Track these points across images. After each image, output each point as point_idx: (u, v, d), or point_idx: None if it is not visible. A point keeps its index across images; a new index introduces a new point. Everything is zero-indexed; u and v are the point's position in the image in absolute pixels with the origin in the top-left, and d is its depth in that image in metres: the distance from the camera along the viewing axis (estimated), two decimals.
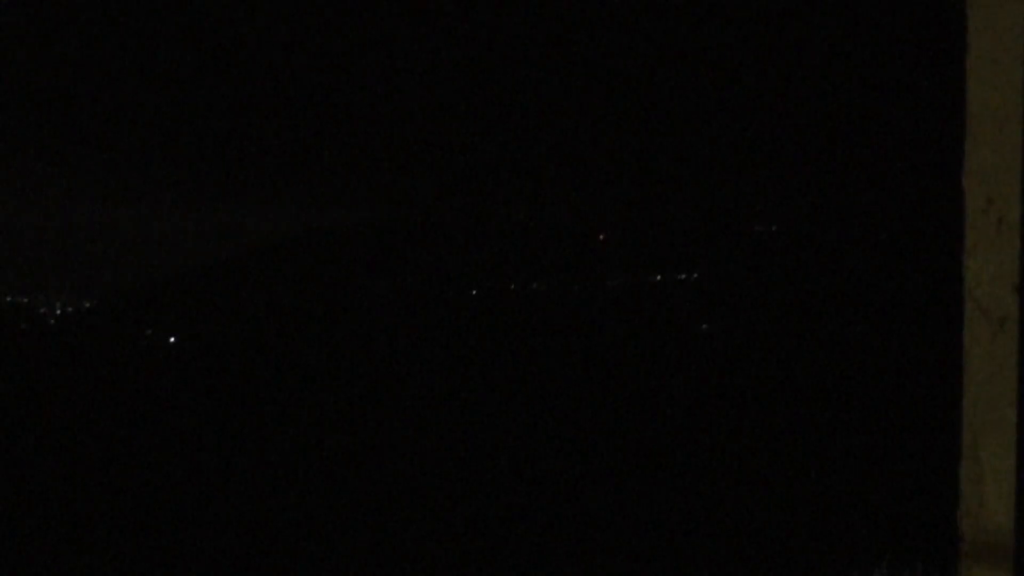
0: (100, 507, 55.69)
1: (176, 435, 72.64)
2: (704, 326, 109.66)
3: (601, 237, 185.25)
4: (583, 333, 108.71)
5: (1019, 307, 2.14)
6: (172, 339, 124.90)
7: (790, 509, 49.13)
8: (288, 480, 61.19)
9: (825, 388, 76.95)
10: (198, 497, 58.11)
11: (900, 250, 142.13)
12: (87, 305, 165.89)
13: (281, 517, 54.03)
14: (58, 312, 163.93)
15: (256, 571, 46.92)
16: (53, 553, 48.32)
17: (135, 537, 51.02)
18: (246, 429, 74.22)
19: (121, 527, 52.50)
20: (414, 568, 45.72)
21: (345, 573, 46.03)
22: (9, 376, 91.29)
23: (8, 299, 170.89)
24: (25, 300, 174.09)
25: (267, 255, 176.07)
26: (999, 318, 2.14)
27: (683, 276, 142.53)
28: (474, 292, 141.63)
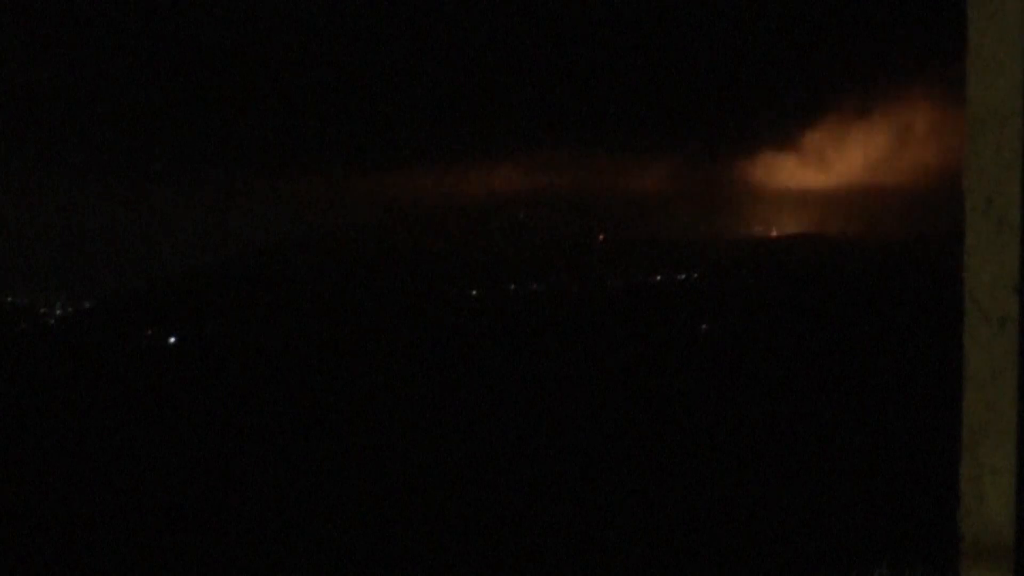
0: (101, 506, 55.67)
1: (176, 434, 72.63)
2: (704, 326, 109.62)
3: (601, 237, 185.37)
4: (583, 333, 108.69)
5: (1019, 308, 2.14)
6: (172, 339, 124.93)
7: (791, 509, 49.11)
8: (288, 479, 61.16)
9: (825, 388, 76.92)
10: (198, 496, 58.09)
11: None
12: (87, 305, 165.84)
13: (281, 516, 54.01)
14: (58, 312, 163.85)
15: (256, 570, 46.89)
16: (54, 552, 48.30)
17: (136, 536, 50.99)
18: (246, 428, 74.21)
19: (121, 526, 52.48)
20: (414, 568, 45.70)
21: (345, 572, 46.00)
22: (9, 376, 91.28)
23: (8, 299, 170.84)
24: (25, 300, 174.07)
25: (267, 255, 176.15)
26: (999, 319, 2.14)
27: (683, 276, 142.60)
28: (474, 292, 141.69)
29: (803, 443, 62.50)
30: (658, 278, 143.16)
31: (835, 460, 57.52)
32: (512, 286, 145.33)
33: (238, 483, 60.95)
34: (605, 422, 73.04)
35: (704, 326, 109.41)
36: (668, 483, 56.59)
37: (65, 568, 46.68)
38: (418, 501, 55.49)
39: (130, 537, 50.98)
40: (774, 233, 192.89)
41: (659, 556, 44.68)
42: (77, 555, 48.16)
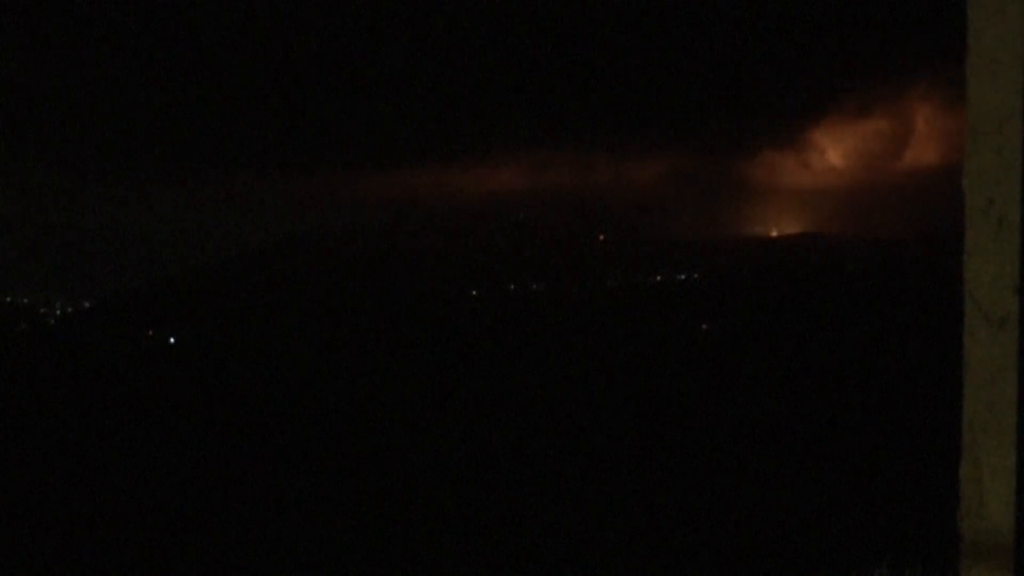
0: (101, 505, 55.67)
1: (176, 434, 72.63)
2: (704, 326, 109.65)
3: (601, 237, 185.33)
4: (583, 333, 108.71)
5: (1019, 307, 2.13)
6: (172, 339, 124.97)
7: (791, 509, 49.12)
8: (288, 478, 61.17)
9: (826, 388, 76.93)
10: (199, 495, 58.09)
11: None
12: (87, 305, 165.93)
13: (282, 515, 54.00)
14: (58, 312, 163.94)
15: (257, 570, 46.89)
16: (55, 551, 48.30)
17: (136, 535, 50.98)
18: (246, 428, 74.21)
19: (122, 525, 52.48)
20: (414, 567, 45.70)
21: (345, 572, 46.00)
22: (9, 376, 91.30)
23: (8, 299, 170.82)
24: (25, 300, 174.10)
25: (267, 255, 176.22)
26: (999, 318, 2.13)
27: (683, 276, 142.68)
28: (474, 292, 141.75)
29: (803, 443, 62.50)
30: (658, 278, 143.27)
31: (835, 460, 57.52)
32: (512, 286, 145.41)
33: (238, 483, 60.96)
34: (605, 422, 73.04)
35: (704, 326, 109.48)
36: (668, 483, 56.60)
37: (65, 568, 46.68)
38: (418, 500, 55.49)
39: (131, 536, 50.98)
40: (774, 233, 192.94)
41: (659, 556, 44.68)
42: (78, 554, 48.16)
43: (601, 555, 45.23)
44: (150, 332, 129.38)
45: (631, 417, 73.84)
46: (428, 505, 54.69)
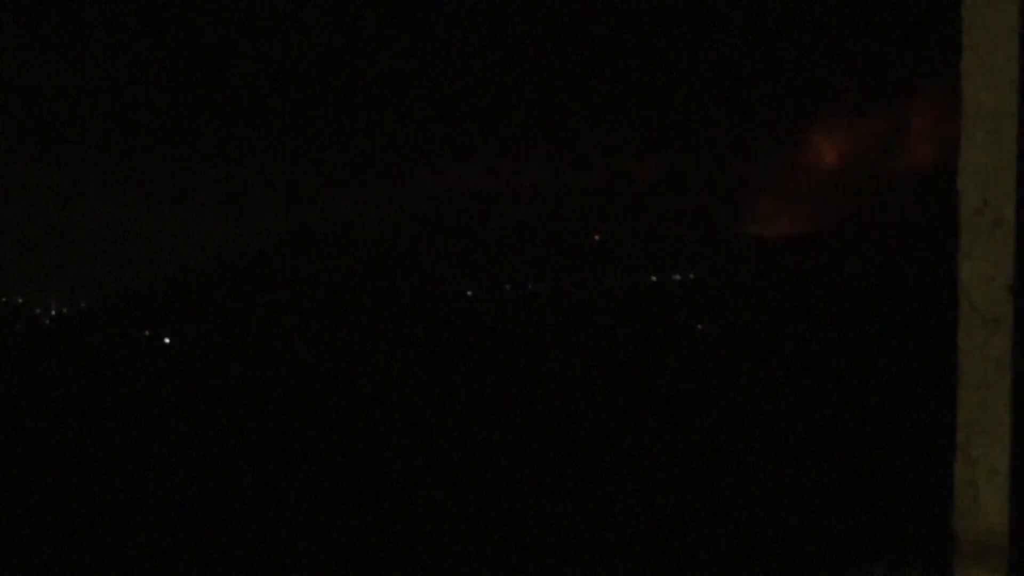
0: (99, 508, 55.65)
1: (175, 435, 72.60)
2: (700, 326, 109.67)
3: (597, 237, 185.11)
4: (582, 333, 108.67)
5: (1013, 308, 2.13)
6: (170, 339, 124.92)
7: (789, 509, 49.12)
8: (287, 480, 61.15)
9: (824, 388, 76.93)
10: (198, 496, 58.07)
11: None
12: (83, 305, 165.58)
13: (280, 516, 53.99)
14: (53, 312, 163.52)
15: (256, 570, 46.88)
16: (52, 553, 48.29)
17: (135, 536, 50.97)
18: (245, 429, 74.18)
19: (120, 527, 52.46)
20: (414, 568, 45.70)
21: (345, 572, 46.00)
22: (4, 376, 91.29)
23: (3, 299, 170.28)
24: (20, 300, 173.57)
25: (266, 255, 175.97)
26: (993, 319, 2.12)
27: (679, 277, 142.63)
28: (469, 293, 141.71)
29: (803, 443, 62.51)
30: (654, 278, 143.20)
31: (835, 460, 57.53)
32: (508, 286, 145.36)
33: (238, 483, 60.95)
34: (603, 422, 73.04)
35: (700, 326, 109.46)
36: (666, 483, 56.60)
37: (65, 568, 46.67)
38: (418, 500, 55.49)
39: (130, 537, 50.97)
40: (773, 233, 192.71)
41: (658, 556, 44.69)
42: (77, 555, 48.16)
43: (601, 555, 45.23)
44: (147, 332, 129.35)
45: (629, 417, 73.83)
46: (428, 505, 54.68)
